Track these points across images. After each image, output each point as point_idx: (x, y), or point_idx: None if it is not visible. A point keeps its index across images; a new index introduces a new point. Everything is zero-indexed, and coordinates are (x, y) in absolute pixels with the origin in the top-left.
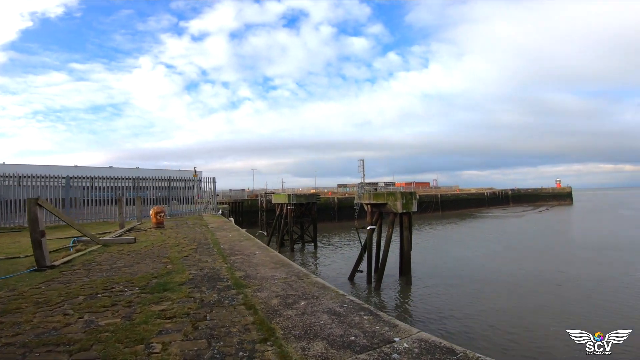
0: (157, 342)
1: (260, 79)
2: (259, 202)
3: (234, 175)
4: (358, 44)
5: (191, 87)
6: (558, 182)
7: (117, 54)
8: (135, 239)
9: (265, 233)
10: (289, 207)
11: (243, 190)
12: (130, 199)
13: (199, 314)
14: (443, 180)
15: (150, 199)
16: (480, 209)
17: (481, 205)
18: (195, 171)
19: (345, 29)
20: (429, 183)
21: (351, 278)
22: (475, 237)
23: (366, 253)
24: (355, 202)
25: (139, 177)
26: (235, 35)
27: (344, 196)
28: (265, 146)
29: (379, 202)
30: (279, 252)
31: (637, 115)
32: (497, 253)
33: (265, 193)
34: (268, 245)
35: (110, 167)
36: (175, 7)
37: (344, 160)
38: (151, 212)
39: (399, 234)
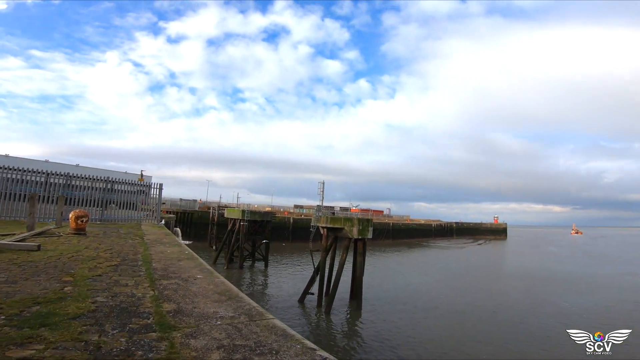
0: None
1: (230, 90)
2: (211, 215)
3: (187, 184)
4: (332, 67)
5: (156, 88)
6: (496, 219)
7: (83, 46)
8: (39, 246)
9: (214, 247)
10: (242, 223)
11: (195, 200)
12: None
13: None
14: (395, 209)
15: (85, 200)
16: (428, 239)
17: (428, 236)
18: (142, 175)
19: (323, 50)
20: (382, 211)
21: (302, 300)
22: (422, 265)
23: (318, 276)
24: (312, 224)
25: (70, 173)
26: (213, 43)
27: (299, 217)
28: (225, 158)
29: (336, 226)
30: (227, 268)
31: (568, 161)
32: (441, 282)
33: (219, 206)
34: (216, 260)
35: (46, 161)
36: (158, 6)
37: (303, 181)
38: (71, 215)
39: (353, 259)
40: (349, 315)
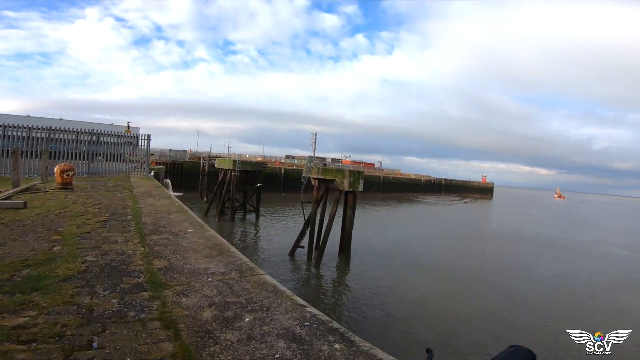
0: None
1: (221, 42)
2: (201, 166)
3: (176, 135)
4: (329, 21)
5: (141, 42)
6: (484, 177)
7: (60, 3)
8: (25, 203)
9: (205, 199)
10: (233, 174)
11: (185, 151)
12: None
13: (79, 337)
14: (387, 162)
15: (70, 153)
16: (417, 194)
17: (418, 191)
18: (129, 126)
19: (320, 4)
20: (374, 164)
21: (292, 253)
22: (410, 221)
23: (309, 229)
24: (303, 175)
25: (51, 127)
26: None
27: (291, 167)
28: (216, 109)
29: (327, 178)
30: (218, 220)
31: (561, 125)
32: (427, 238)
33: (209, 157)
34: (207, 212)
35: (28, 116)
36: None
37: (295, 132)
38: (56, 169)
39: (343, 212)
40: (337, 270)
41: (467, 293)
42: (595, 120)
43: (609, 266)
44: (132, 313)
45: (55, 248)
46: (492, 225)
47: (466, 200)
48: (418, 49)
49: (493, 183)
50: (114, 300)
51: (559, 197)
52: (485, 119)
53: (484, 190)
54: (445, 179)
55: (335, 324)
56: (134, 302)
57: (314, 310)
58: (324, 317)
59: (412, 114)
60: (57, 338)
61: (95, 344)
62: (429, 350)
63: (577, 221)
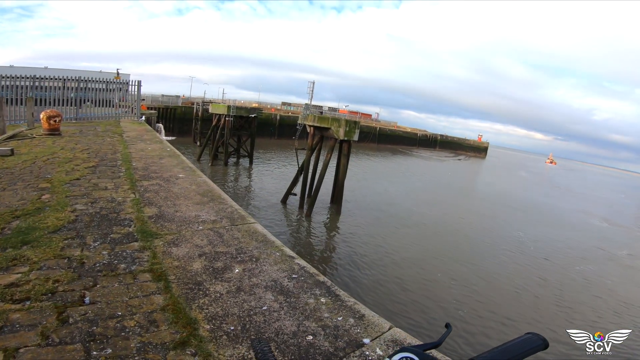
0: None
1: None
2: (195, 111)
3: (169, 81)
4: None
5: None
6: (480, 136)
7: None
8: (12, 150)
9: (198, 143)
10: (227, 119)
11: (178, 96)
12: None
13: (71, 293)
14: (384, 114)
15: (57, 100)
16: (412, 148)
17: (412, 145)
18: (118, 73)
19: None
20: (370, 115)
21: (284, 200)
22: (402, 173)
23: (302, 176)
24: (298, 122)
25: (35, 75)
26: None
27: (287, 114)
28: (210, 56)
29: (323, 125)
30: (212, 165)
31: (566, 93)
32: (417, 192)
33: (203, 102)
34: (200, 156)
35: (11, 66)
36: None
37: (293, 80)
38: (42, 115)
39: (337, 160)
40: (328, 220)
41: (448, 253)
42: (601, 92)
43: (584, 236)
44: (122, 265)
45: (44, 196)
46: (480, 185)
47: (460, 157)
48: (428, 5)
49: (488, 143)
50: (104, 252)
51: (551, 162)
52: (489, 81)
53: (478, 149)
54: (441, 135)
55: (322, 277)
56: (125, 254)
57: (303, 262)
58: (312, 270)
59: (413, 70)
60: (50, 295)
61: (87, 299)
62: (447, 325)
63: (562, 189)
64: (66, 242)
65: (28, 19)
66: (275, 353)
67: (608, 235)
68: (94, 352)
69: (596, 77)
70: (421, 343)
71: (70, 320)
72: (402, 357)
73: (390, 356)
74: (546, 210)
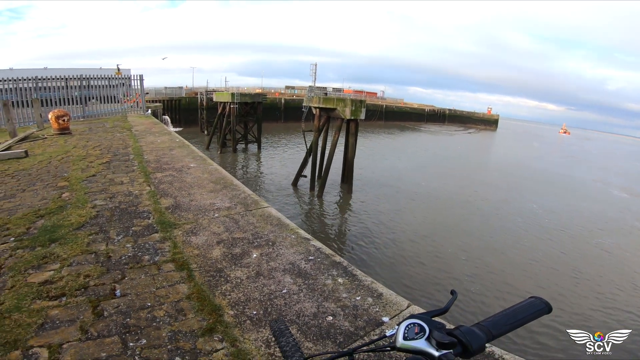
0: (40, 346)
1: None
2: (199, 100)
3: (170, 73)
4: None
5: None
6: (489, 109)
7: None
8: (26, 151)
9: (206, 132)
10: (232, 106)
11: (181, 87)
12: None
13: (102, 287)
14: (390, 92)
15: (62, 99)
16: (420, 123)
17: (420, 120)
18: (118, 69)
19: None
20: (376, 93)
21: (295, 183)
22: (412, 149)
23: (311, 157)
24: (303, 104)
25: (37, 77)
26: None
27: (291, 97)
28: (209, 45)
29: (328, 106)
30: (221, 152)
31: (578, 64)
32: (428, 167)
33: (207, 91)
34: (209, 145)
35: (11, 69)
36: None
37: (295, 63)
38: (50, 116)
39: (345, 140)
40: (340, 199)
41: (460, 226)
42: (613, 62)
43: (604, 207)
44: (146, 257)
45: (64, 195)
46: (492, 156)
47: (470, 130)
48: None
49: (498, 115)
50: (128, 245)
51: (564, 132)
52: (496, 54)
53: (488, 122)
54: (450, 109)
55: (338, 258)
56: (147, 245)
57: (318, 244)
58: (328, 251)
59: (418, 46)
60: (83, 290)
61: (118, 292)
62: (453, 292)
63: (577, 158)
64: (91, 237)
65: (18, 21)
66: (298, 335)
67: (628, 206)
68: (131, 344)
69: (607, 49)
70: (428, 311)
71: (105, 313)
72: (410, 324)
73: (399, 323)
74: (561, 180)
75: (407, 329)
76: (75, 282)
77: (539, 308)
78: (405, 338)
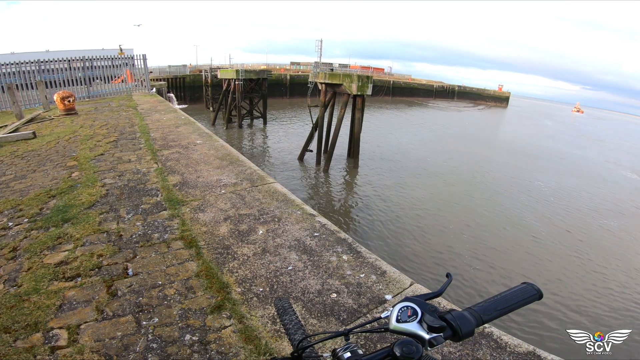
0: (59, 328)
1: None
2: (204, 78)
3: (173, 52)
4: None
5: None
6: (500, 87)
7: None
8: (34, 132)
9: (211, 109)
10: (237, 83)
11: (185, 65)
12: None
13: (115, 267)
14: (398, 68)
15: (67, 80)
16: (428, 99)
17: (429, 96)
18: (121, 49)
19: None
20: (383, 69)
21: (301, 158)
22: (419, 125)
23: (317, 133)
24: (309, 80)
25: (39, 60)
26: None
27: (297, 73)
28: (212, 21)
29: (335, 82)
30: (227, 128)
31: (595, 45)
32: (433, 144)
33: (211, 68)
34: (214, 121)
35: (12, 53)
36: None
37: (301, 40)
38: (55, 97)
39: (351, 115)
40: (346, 174)
41: (464, 202)
42: (631, 44)
43: (614, 188)
44: (156, 235)
45: (74, 174)
46: (501, 134)
47: (479, 107)
48: None
49: (510, 92)
50: (138, 223)
51: (577, 111)
52: (509, 31)
53: (499, 99)
54: (459, 86)
55: (343, 234)
56: (156, 223)
57: (323, 220)
58: (333, 227)
59: (426, 22)
60: (97, 270)
61: (130, 271)
62: (448, 275)
63: (590, 137)
64: (102, 216)
65: (15, 5)
66: (302, 312)
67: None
68: (144, 322)
69: (625, 31)
70: (424, 293)
71: (119, 293)
72: (404, 306)
73: (394, 305)
74: (571, 160)
75: (400, 311)
76: (89, 262)
77: (530, 294)
78: (398, 320)
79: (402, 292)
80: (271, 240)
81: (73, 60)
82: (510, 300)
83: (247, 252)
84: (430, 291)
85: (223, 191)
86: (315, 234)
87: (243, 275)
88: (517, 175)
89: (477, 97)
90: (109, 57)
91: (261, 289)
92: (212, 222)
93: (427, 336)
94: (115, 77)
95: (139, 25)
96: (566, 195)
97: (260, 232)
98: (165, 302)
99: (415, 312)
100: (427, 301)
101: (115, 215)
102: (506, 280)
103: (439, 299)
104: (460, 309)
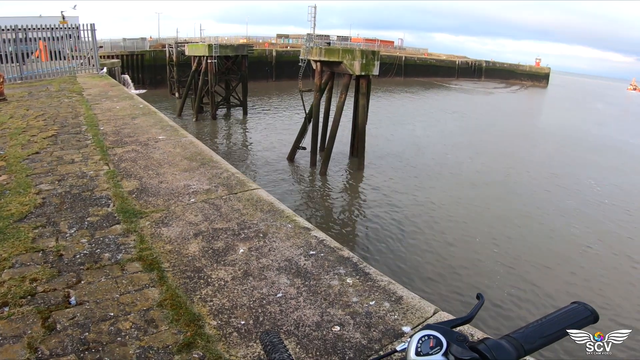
0: None
1: None
2: (168, 54)
3: (130, 21)
4: None
5: None
6: (537, 61)
7: None
8: None
9: (177, 95)
10: (210, 62)
11: (144, 39)
12: None
13: (54, 293)
14: (411, 40)
15: None
16: (449, 79)
17: (450, 75)
18: (63, 17)
19: None
20: (393, 42)
21: (291, 157)
22: (437, 112)
23: (311, 125)
24: (300, 57)
25: None
26: None
27: (284, 48)
28: None
29: (332, 59)
30: (196, 120)
31: None
32: (455, 137)
33: (177, 43)
34: (181, 111)
35: None
36: None
37: (289, 6)
38: None
39: (354, 102)
40: (349, 177)
41: (495, 208)
42: None
43: None
44: (106, 255)
45: (1, 178)
46: (541, 121)
47: (513, 87)
48: None
49: (549, 68)
50: (83, 240)
51: (634, 89)
52: None
53: (536, 77)
54: (487, 61)
55: (346, 252)
56: (107, 240)
57: (321, 235)
58: (333, 243)
59: None
60: (30, 297)
61: (72, 300)
62: (479, 296)
63: None
64: (37, 231)
65: None
66: (297, 350)
67: None
68: None
69: None
70: (452, 318)
71: (58, 326)
72: (425, 336)
73: (412, 336)
74: (632, 152)
75: (420, 342)
76: (20, 288)
77: (583, 316)
78: (417, 353)
79: (423, 322)
80: (255, 260)
81: (2, 30)
82: (558, 324)
83: (225, 275)
84: (458, 317)
85: (193, 200)
86: (311, 252)
87: (219, 304)
88: (562, 172)
89: (510, 75)
90: (47, 26)
91: (243, 322)
92: (179, 239)
93: None
94: (63, 51)
95: (74, 7)
96: (625, 196)
97: (241, 250)
98: (119, 339)
99: (439, 343)
100: (454, 329)
101: (54, 230)
102: (550, 300)
103: (468, 326)
104: (495, 338)
